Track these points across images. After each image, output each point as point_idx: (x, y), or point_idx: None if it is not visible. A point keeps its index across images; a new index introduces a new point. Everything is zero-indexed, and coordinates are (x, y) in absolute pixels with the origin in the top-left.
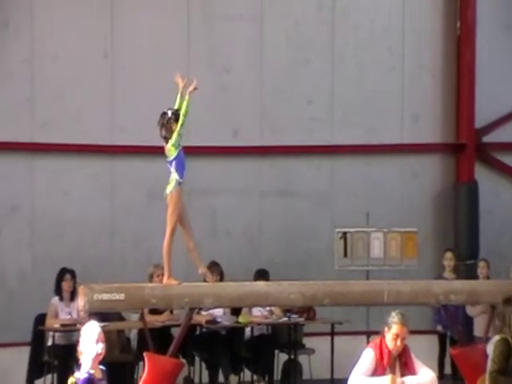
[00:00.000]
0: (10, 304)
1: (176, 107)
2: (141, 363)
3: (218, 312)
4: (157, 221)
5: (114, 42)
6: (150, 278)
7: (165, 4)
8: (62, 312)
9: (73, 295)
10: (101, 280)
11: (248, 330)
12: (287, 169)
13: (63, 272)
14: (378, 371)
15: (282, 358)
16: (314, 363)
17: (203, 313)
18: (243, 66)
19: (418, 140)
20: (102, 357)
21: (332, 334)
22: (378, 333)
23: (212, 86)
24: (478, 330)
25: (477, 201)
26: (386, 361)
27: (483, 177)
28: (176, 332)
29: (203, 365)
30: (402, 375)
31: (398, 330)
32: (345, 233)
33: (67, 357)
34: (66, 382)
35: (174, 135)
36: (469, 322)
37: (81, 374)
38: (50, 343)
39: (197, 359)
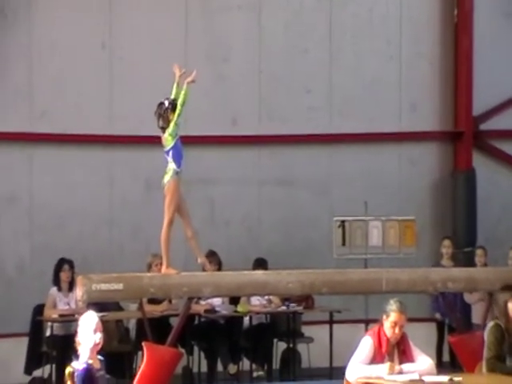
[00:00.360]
0: (9, 294)
1: (172, 97)
2: (139, 353)
3: (217, 301)
4: (155, 210)
5: (112, 32)
6: (149, 268)
7: None
8: (60, 302)
9: (71, 285)
10: (99, 270)
11: (247, 319)
12: (285, 158)
13: (61, 262)
14: (376, 359)
15: (280, 346)
16: (312, 352)
17: (202, 302)
18: (241, 55)
19: (415, 128)
20: (100, 347)
21: (330, 322)
22: (377, 321)
23: (210, 76)
24: (476, 317)
25: (474, 188)
26: (384, 349)
27: (481, 164)
28: (175, 321)
29: (202, 354)
30: (401, 363)
31: (397, 318)
32: (343, 221)
33: (66, 347)
34: (65, 372)
35: (171, 125)
36: (467, 309)
37: (79, 364)
38: (48, 334)
39: (195, 348)
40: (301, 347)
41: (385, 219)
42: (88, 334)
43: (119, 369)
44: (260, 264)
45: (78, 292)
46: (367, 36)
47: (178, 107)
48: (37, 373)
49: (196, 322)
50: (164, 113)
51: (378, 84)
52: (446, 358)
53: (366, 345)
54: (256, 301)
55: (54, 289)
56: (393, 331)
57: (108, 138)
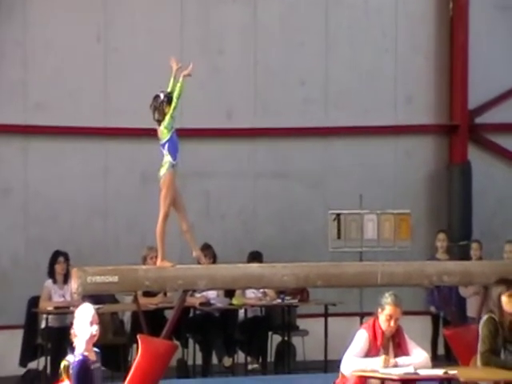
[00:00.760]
0: (4, 287)
1: (169, 90)
2: (134, 345)
3: (212, 294)
4: (150, 203)
5: (107, 25)
6: (144, 261)
7: None
8: (55, 295)
9: (66, 278)
10: (94, 263)
11: (241, 312)
12: (281, 151)
13: (56, 255)
14: (371, 352)
15: (275, 339)
16: (307, 345)
17: (197, 295)
18: (237, 47)
19: (411, 121)
20: (96, 339)
21: (325, 315)
22: (372, 314)
23: (205, 69)
24: (471, 310)
25: (470, 182)
26: (379, 342)
27: (476, 158)
28: (170, 314)
29: (197, 347)
30: (396, 356)
31: (392, 311)
32: (338, 214)
33: (61, 339)
34: (60, 364)
35: (167, 118)
36: (462, 302)
37: (75, 357)
38: (43, 326)
39: (190, 341)
40: (296, 340)
41: (380, 212)
42: (84, 325)
43: (114, 361)
44: (255, 257)
45: (73, 284)
46: (363, 29)
47: (174, 100)
48: (32, 365)
49: (191, 314)
50: (159, 106)
51: (374, 77)
52: (440, 351)
53: (361, 338)
54: (251, 294)
55: (49, 281)
56: (388, 324)
57: (103, 130)
